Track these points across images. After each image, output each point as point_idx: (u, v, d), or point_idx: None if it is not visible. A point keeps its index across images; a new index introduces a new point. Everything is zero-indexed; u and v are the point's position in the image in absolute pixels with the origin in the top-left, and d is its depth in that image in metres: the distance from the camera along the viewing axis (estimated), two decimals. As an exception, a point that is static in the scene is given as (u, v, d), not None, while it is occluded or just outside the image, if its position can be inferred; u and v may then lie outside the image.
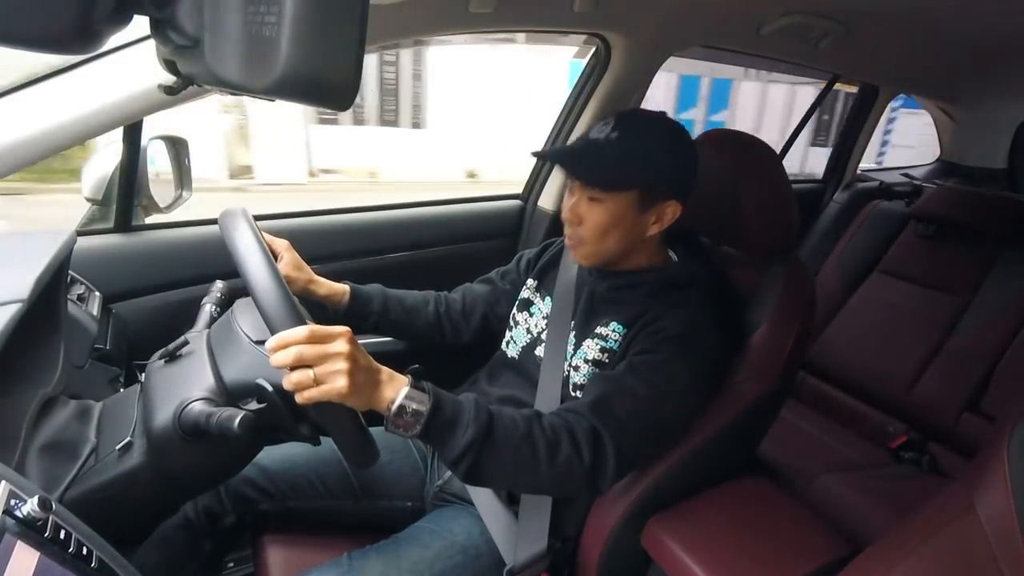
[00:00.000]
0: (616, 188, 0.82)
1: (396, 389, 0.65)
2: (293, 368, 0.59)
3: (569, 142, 1.53)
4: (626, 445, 0.75)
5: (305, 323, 0.61)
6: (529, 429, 0.72)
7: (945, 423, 1.48)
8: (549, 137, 1.61)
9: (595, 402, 0.77)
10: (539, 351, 0.95)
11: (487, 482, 0.76)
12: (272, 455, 0.97)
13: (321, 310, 0.96)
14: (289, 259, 0.90)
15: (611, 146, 0.82)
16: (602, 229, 0.84)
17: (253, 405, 0.63)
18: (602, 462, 0.74)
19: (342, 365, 0.59)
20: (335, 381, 0.59)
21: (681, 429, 0.84)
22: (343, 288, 0.99)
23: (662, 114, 0.86)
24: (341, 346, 0.60)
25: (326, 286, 0.96)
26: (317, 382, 0.59)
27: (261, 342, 0.69)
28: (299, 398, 0.60)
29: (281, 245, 0.91)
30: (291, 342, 0.58)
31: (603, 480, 0.75)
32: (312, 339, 0.59)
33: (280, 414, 0.64)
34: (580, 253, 0.88)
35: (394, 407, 0.65)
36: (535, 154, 0.95)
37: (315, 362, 0.59)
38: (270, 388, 0.63)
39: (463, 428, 0.68)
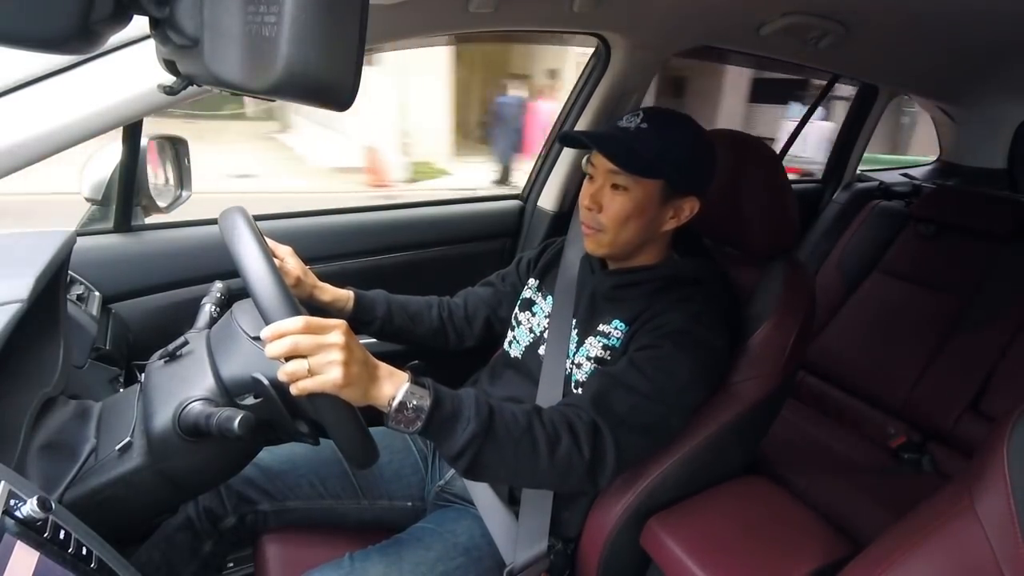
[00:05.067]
0: (648, 175, 0.82)
1: (396, 385, 0.65)
2: (288, 358, 0.59)
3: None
4: (625, 439, 0.75)
5: (300, 314, 0.61)
6: (529, 423, 0.72)
7: (945, 423, 1.48)
8: (548, 138, 1.60)
9: (595, 396, 0.77)
10: (542, 350, 0.94)
11: (488, 477, 0.75)
12: (272, 455, 0.97)
13: (322, 315, 0.95)
14: (294, 264, 0.90)
15: (642, 135, 0.82)
16: (623, 217, 0.84)
17: (250, 400, 0.63)
18: (601, 456, 0.74)
19: (337, 356, 0.59)
20: (330, 371, 0.59)
21: (681, 425, 0.84)
22: (347, 295, 0.98)
23: (685, 114, 0.87)
24: (336, 337, 0.60)
25: (330, 292, 0.96)
26: (312, 372, 0.59)
27: (258, 338, 0.68)
28: (294, 389, 0.60)
29: (284, 251, 0.90)
30: (286, 332, 0.58)
31: (602, 474, 0.75)
32: (308, 329, 0.59)
33: (277, 409, 0.64)
34: (596, 241, 0.88)
35: (395, 403, 0.64)
36: (561, 136, 0.93)
37: (310, 352, 0.59)
38: (266, 382, 0.63)
39: (464, 423, 0.67)
